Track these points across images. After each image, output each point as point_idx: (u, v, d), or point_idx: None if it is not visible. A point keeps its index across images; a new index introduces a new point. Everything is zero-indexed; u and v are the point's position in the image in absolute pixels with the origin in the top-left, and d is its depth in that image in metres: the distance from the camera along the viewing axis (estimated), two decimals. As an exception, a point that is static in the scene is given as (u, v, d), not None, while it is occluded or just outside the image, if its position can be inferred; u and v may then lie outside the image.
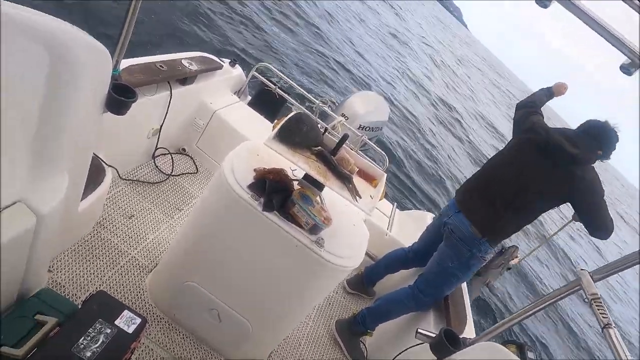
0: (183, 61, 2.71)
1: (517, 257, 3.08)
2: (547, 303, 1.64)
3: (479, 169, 2.62)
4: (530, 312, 1.68)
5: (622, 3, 1.29)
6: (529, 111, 2.50)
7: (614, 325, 1.27)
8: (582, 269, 1.55)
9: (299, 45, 11.05)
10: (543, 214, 2.41)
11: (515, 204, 2.31)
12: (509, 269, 3.11)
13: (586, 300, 1.41)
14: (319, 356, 2.47)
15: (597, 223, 2.23)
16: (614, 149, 2.31)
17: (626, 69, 1.59)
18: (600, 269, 1.51)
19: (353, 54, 13.95)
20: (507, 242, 2.93)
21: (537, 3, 1.64)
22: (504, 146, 2.57)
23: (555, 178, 2.23)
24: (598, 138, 2.27)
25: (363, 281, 3.02)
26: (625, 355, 1.19)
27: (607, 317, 1.29)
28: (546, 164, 2.25)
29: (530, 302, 1.66)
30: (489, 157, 2.61)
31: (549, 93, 2.61)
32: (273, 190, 1.66)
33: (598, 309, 1.33)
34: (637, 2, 1.25)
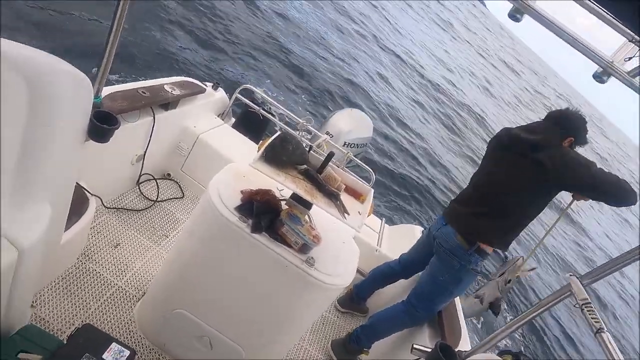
0: (165, 86, 2.71)
1: (525, 268, 2.72)
2: (539, 311, 1.65)
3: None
4: (523, 322, 1.68)
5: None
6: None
7: (606, 329, 1.28)
8: (570, 274, 1.56)
9: (279, 62, 11.18)
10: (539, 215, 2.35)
11: (498, 208, 2.31)
12: (509, 281, 2.74)
13: (577, 306, 1.41)
14: (315, 378, 2.42)
15: (606, 194, 2.12)
16: (585, 130, 2.30)
17: (599, 77, 1.65)
18: (589, 273, 1.53)
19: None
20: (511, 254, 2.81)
21: (510, 18, 1.70)
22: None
23: (526, 170, 2.20)
24: (559, 121, 2.28)
25: (353, 298, 3.00)
26: (619, 358, 1.20)
27: (599, 322, 1.29)
28: (513, 160, 2.25)
29: (522, 311, 1.66)
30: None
31: None
32: (261, 211, 1.65)
33: (589, 314, 1.34)
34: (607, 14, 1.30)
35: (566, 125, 2.27)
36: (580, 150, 2.36)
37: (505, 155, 2.32)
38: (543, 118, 2.38)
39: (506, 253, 2.74)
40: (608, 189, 2.10)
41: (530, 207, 2.30)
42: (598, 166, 2.14)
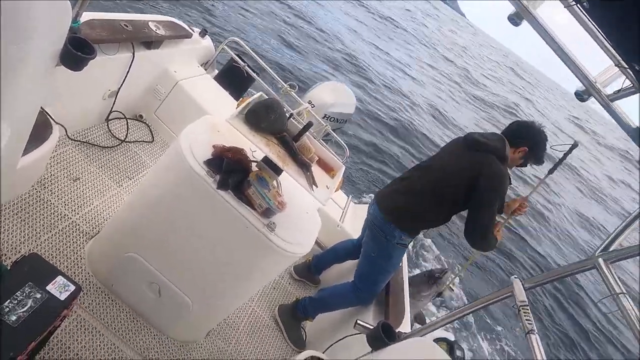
0: (150, 24, 2.58)
1: (448, 280, 2.96)
2: (478, 306, 1.74)
3: None
4: (462, 314, 1.78)
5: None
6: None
7: (536, 331, 1.37)
8: (515, 277, 1.65)
9: (279, 24, 10.85)
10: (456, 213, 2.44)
11: (429, 191, 2.36)
12: (439, 294, 2.98)
13: (514, 306, 1.50)
14: (258, 338, 2.48)
15: (473, 231, 2.26)
16: (543, 148, 2.36)
17: (580, 95, 1.69)
18: (532, 278, 1.62)
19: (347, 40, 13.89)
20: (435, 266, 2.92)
21: (509, 21, 1.71)
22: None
23: (463, 163, 2.28)
24: (519, 129, 2.36)
25: (310, 269, 3.05)
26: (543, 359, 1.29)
27: (531, 324, 1.38)
28: (457, 152, 2.35)
29: (464, 304, 1.75)
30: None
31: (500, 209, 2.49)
32: (230, 169, 1.64)
33: (524, 316, 1.42)
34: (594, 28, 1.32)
35: (524, 136, 2.34)
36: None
37: (453, 149, 2.42)
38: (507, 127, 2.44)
39: (432, 268, 2.99)
40: (478, 230, 2.25)
41: (452, 201, 2.35)
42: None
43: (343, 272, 3.04)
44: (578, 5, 1.30)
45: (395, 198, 2.46)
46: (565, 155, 2.42)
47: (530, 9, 1.61)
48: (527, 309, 1.45)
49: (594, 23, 1.35)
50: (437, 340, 1.81)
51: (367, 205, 3.97)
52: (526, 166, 2.43)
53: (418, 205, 2.39)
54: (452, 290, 2.96)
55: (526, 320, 1.41)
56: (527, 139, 2.33)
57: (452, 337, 2.02)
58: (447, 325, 1.92)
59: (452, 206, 2.36)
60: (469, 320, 7.46)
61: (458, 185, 2.26)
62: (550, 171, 2.49)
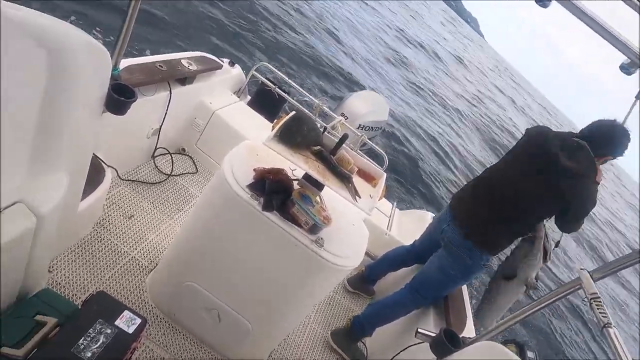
0: (182, 61, 2.71)
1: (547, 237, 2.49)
2: (547, 302, 1.64)
3: (477, 175, 2.55)
4: (530, 312, 1.67)
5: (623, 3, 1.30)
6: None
7: (613, 324, 1.27)
8: (581, 268, 1.55)
9: (302, 46, 11.06)
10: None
11: (508, 214, 2.24)
12: (545, 255, 2.44)
13: (586, 299, 1.41)
14: (320, 356, 2.47)
15: (573, 227, 2.20)
16: (626, 147, 2.19)
17: (626, 69, 1.59)
18: (600, 268, 1.51)
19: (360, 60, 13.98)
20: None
21: (537, 3, 1.65)
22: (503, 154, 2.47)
23: (549, 189, 2.13)
24: (603, 140, 2.16)
25: (364, 279, 3.02)
26: (625, 355, 1.19)
27: (606, 317, 1.29)
28: (539, 175, 2.15)
29: (531, 301, 1.66)
30: (488, 166, 2.53)
31: None
32: (273, 190, 1.66)
33: (598, 309, 1.33)
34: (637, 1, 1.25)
35: (609, 144, 2.16)
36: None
37: (532, 167, 2.19)
38: (588, 131, 2.19)
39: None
40: (577, 226, 2.20)
41: (533, 221, 2.27)
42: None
43: (398, 280, 2.98)
44: (611, -24, 1.24)
45: (481, 224, 2.29)
46: None
47: (559, -12, 1.54)
48: (600, 302, 1.35)
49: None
50: (506, 342, 1.73)
51: (414, 210, 3.90)
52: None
53: (505, 234, 2.27)
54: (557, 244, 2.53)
55: (600, 313, 1.31)
56: (612, 149, 2.16)
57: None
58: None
59: (542, 218, 2.28)
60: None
61: (549, 209, 2.19)
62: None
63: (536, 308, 1.65)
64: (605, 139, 2.16)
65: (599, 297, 1.37)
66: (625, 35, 1.47)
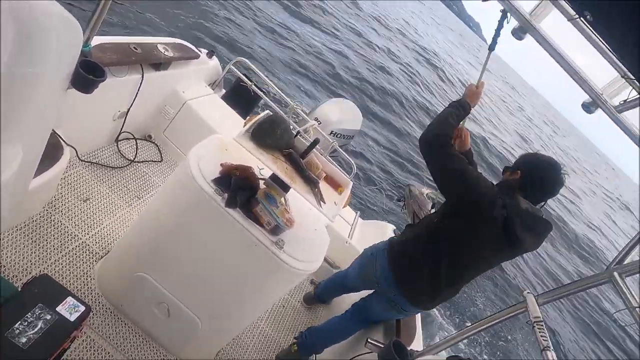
0: (159, 46, 2.64)
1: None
2: (492, 323, 1.71)
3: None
4: (475, 330, 1.74)
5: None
6: (453, 156, 1.90)
7: (552, 348, 1.34)
8: (527, 292, 1.62)
9: (283, 49, 11.04)
10: None
11: (460, 284, 2.08)
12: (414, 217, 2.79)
13: (529, 322, 1.47)
14: (268, 358, 2.45)
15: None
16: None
17: (587, 107, 1.69)
18: (546, 292, 1.58)
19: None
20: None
21: (512, 35, 1.72)
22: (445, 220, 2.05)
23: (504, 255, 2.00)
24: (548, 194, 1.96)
25: (317, 299, 2.97)
26: None
27: (547, 340, 1.35)
28: (502, 250, 1.95)
29: (476, 320, 1.72)
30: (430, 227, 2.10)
31: (464, 108, 2.01)
32: (238, 187, 1.64)
33: (539, 332, 1.39)
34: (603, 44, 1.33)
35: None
36: None
37: (496, 247, 1.93)
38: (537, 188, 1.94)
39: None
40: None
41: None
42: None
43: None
44: (581, 18, 1.31)
45: (431, 293, 2.06)
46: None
47: (533, 22, 1.62)
48: (542, 325, 1.42)
49: (598, 36, 1.36)
50: (452, 358, 1.77)
51: (376, 221, 3.95)
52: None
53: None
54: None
55: (541, 336, 1.38)
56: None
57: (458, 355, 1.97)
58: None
59: None
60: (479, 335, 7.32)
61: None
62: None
63: (482, 327, 1.72)
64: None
65: (542, 321, 1.43)
66: (586, 74, 1.56)
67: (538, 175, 1.93)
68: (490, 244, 1.91)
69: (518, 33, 1.71)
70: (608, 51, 1.38)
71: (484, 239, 1.90)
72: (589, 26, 1.36)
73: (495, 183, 1.98)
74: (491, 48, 2.08)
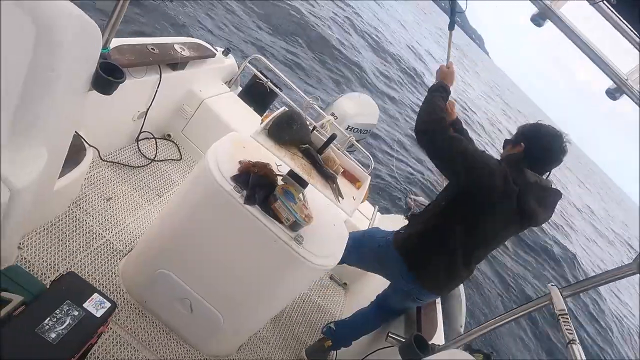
0: (175, 46, 2.67)
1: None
2: (516, 316, 1.68)
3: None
4: (498, 324, 1.71)
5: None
6: (453, 138, 1.89)
7: (577, 341, 1.31)
8: (552, 285, 1.58)
9: (298, 46, 11.04)
10: None
11: (477, 260, 2.10)
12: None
13: (553, 315, 1.44)
14: (290, 353, 2.47)
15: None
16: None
17: (611, 94, 1.64)
18: (571, 285, 1.55)
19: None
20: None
21: (532, 22, 1.68)
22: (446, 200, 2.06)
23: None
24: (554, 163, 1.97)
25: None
26: None
27: (572, 333, 1.32)
28: (516, 225, 1.99)
29: (500, 313, 1.69)
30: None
31: (445, 89, 2.04)
32: (256, 183, 1.65)
33: (564, 325, 1.36)
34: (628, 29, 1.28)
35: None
36: None
37: (509, 224, 1.97)
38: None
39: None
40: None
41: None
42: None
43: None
44: (604, 1, 1.27)
45: (453, 279, 2.14)
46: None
47: (553, 8, 1.57)
48: (567, 318, 1.39)
49: (622, 19, 1.31)
50: (473, 352, 1.75)
51: (395, 215, 3.92)
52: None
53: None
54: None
55: (566, 329, 1.34)
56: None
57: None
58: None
59: None
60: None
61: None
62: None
63: (505, 320, 1.69)
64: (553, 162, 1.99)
65: (567, 314, 1.40)
66: (614, 61, 1.51)
67: (543, 146, 1.93)
68: (504, 221, 1.93)
69: (537, 19, 1.66)
70: (633, 34, 1.33)
71: (498, 217, 1.91)
72: (612, 9, 1.31)
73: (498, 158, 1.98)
74: (450, 27, 2.26)
